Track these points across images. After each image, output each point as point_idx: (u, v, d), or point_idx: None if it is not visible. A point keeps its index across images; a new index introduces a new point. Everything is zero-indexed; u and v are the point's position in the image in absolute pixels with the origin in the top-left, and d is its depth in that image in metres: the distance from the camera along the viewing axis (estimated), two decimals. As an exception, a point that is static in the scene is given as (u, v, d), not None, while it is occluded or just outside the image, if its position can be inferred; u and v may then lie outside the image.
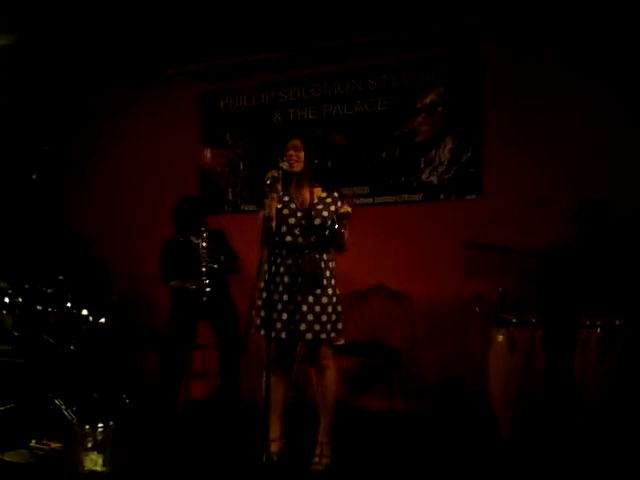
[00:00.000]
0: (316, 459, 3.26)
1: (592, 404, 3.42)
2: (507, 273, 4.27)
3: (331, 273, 3.31)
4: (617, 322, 3.41)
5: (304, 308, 3.20)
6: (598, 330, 3.44)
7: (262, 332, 3.24)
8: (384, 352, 4.61)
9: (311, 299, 3.21)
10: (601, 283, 3.69)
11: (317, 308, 3.22)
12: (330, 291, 3.26)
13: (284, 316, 3.20)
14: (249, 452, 3.32)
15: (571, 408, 3.52)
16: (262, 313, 3.25)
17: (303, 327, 3.19)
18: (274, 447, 3.25)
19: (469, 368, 4.45)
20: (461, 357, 4.58)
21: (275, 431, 3.30)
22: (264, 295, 3.21)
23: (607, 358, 3.39)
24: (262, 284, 3.27)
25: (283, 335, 3.20)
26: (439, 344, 4.69)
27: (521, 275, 4.15)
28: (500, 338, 3.82)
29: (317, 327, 3.21)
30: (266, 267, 3.26)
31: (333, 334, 3.27)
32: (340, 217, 3.17)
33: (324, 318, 3.22)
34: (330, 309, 3.24)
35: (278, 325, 3.20)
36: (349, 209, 3.21)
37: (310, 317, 3.20)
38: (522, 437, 3.65)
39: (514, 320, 3.81)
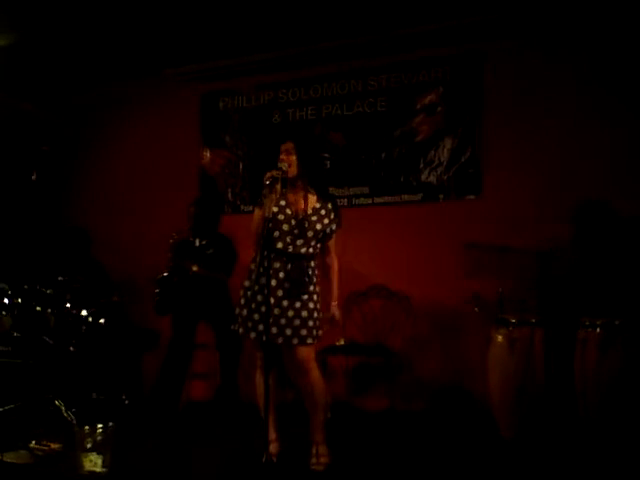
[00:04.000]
0: (314, 459, 3.26)
1: (592, 404, 3.42)
2: (506, 273, 4.27)
3: (316, 279, 3.32)
4: (617, 322, 3.41)
5: (290, 313, 3.21)
6: (598, 330, 3.44)
7: (240, 330, 3.28)
8: (383, 352, 4.61)
9: (298, 304, 3.22)
10: (601, 283, 3.69)
11: (304, 313, 3.22)
12: (315, 297, 3.28)
13: (269, 319, 3.19)
14: (249, 452, 3.32)
15: (571, 408, 3.52)
16: (243, 312, 3.27)
17: (289, 332, 3.20)
18: (272, 448, 3.25)
19: (469, 368, 4.45)
20: (461, 357, 4.58)
21: (271, 433, 3.29)
22: (249, 294, 3.25)
23: (607, 358, 3.39)
24: (247, 283, 3.30)
25: (264, 338, 3.16)
26: (439, 344, 4.70)
27: (520, 275, 4.15)
28: (500, 338, 3.83)
29: (304, 332, 3.21)
30: (252, 267, 3.29)
31: (313, 340, 3.27)
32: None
33: (310, 323, 3.23)
34: (315, 314, 3.26)
35: (260, 327, 3.20)
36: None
37: (297, 322, 3.21)
38: (522, 436, 3.65)
39: (514, 320, 3.82)
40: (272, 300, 3.19)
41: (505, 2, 4.49)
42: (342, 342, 4.66)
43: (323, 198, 3.36)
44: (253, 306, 3.23)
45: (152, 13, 4.69)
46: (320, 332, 3.30)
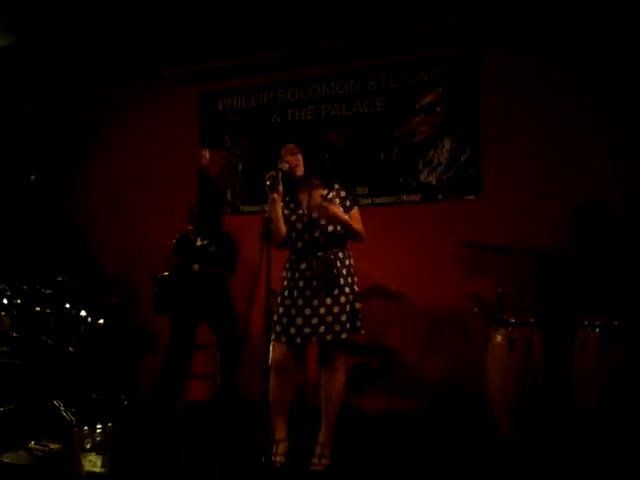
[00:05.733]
0: (315, 460, 3.26)
1: (590, 404, 3.42)
2: (506, 273, 4.28)
3: (348, 271, 3.30)
4: (616, 322, 3.40)
5: (322, 310, 3.19)
6: (597, 330, 3.44)
7: (283, 339, 3.23)
8: (383, 352, 4.61)
9: (329, 300, 3.20)
10: (600, 283, 3.69)
11: (336, 309, 3.20)
12: (348, 289, 3.26)
13: (299, 321, 3.20)
14: (249, 453, 3.31)
15: (569, 408, 3.52)
16: (275, 318, 3.26)
17: (322, 329, 3.18)
18: (281, 448, 3.26)
19: (468, 368, 4.45)
20: (460, 357, 4.58)
21: (281, 432, 3.30)
22: (279, 300, 3.26)
23: (606, 358, 3.39)
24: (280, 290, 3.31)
25: (298, 340, 3.20)
26: (438, 344, 4.69)
27: (520, 275, 4.15)
28: (499, 338, 3.83)
29: (337, 327, 3.19)
30: (284, 273, 3.31)
31: (348, 333, 3.25)
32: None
33: (344, 318, 3.21)
34: (348, 307, 3.24)
35: (292, 330, 3.21)
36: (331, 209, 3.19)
37: (329, 318, 3.19)
38: (521, 437, 3.65)
39: (513, 320, 3.82)
40: (301, 301, 3.20)
41: (504, 3, 4.50)
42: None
43: (330, 184, 3.36)
44: (281, 310, 3.25)
45: (151, 14, 4.69)
46: (359, 323, 3.28)
